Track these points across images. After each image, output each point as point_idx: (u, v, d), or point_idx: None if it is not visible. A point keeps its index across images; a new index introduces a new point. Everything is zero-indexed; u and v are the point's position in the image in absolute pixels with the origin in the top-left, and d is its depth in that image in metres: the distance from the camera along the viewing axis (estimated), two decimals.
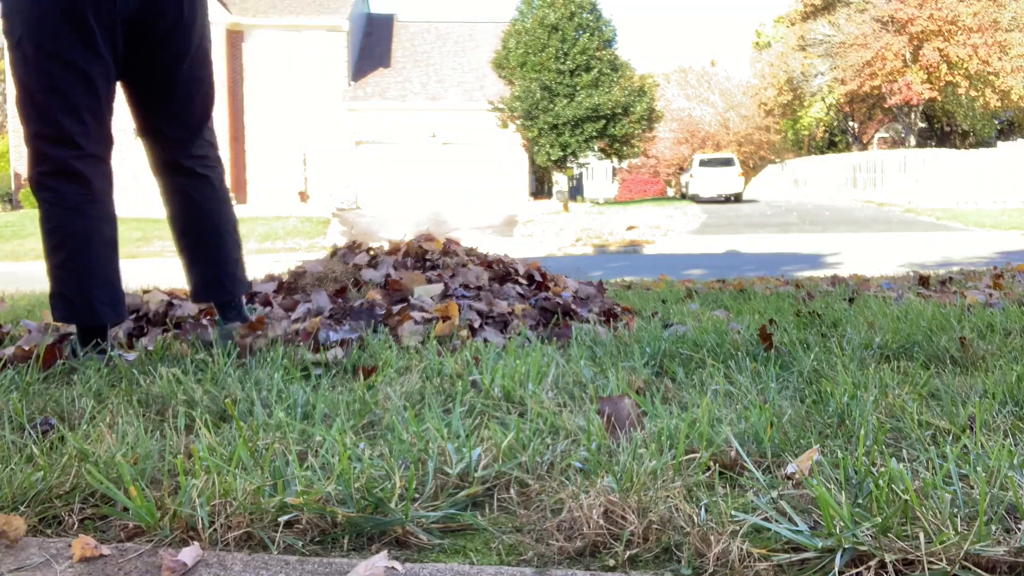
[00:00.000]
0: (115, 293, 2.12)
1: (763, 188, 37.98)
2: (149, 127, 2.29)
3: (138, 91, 2.24)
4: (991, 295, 3.38)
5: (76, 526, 1.11)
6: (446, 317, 2.50)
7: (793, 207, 22.59)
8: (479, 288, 3.04)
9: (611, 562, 0.98)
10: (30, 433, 1.38)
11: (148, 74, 2.21)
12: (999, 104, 32.80)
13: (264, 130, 29.64)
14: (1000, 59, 31.24)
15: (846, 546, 0.92)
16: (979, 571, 0.88)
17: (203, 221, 2.33)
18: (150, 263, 13.59)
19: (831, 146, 41.79)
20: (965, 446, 1.23)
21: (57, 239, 2.07)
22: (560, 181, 29.22)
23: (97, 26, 2.04)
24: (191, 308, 2.78)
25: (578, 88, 26.34)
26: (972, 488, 1.06)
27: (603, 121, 26.48)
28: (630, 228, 17.25)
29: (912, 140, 36.12)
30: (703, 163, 29.00)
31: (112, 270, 2.13)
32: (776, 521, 1.00)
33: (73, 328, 2.25)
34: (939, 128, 37.93)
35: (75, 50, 2.03)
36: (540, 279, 3.31)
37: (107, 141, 2.15)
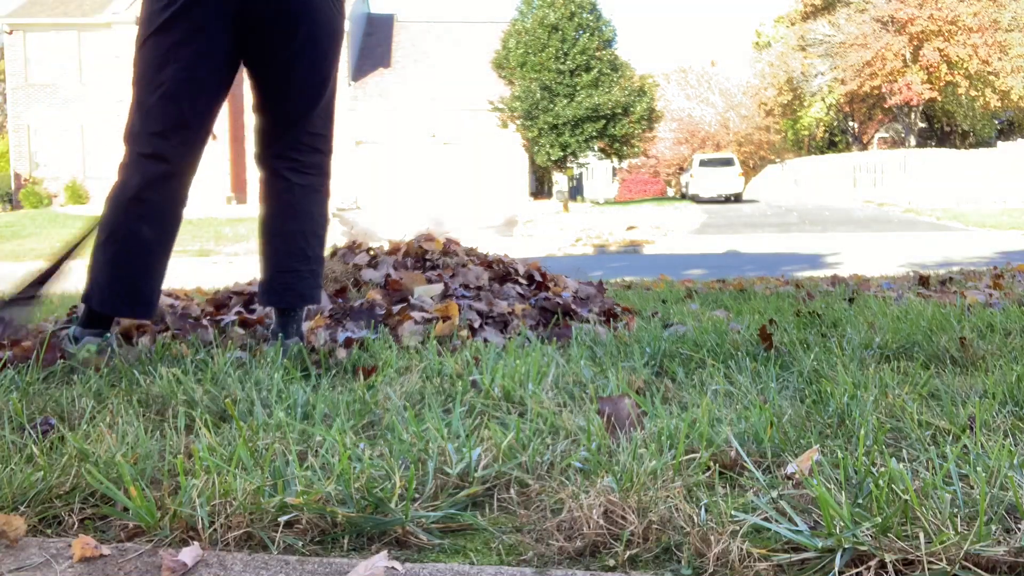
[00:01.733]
0: (135, 291, 2.10)
1: (763, 188, 37.98)
2: (258, 123, 2.28)
3: (256, 84, 2.23)
4: (991, 295, 3.38)
5: (76, 526, 1.11)
6: (446, 317, 2.50)
7: (793, 207, 22.59)
8: (479, 288, 3.04)
9: (611, 562, 0.98)
10: (30, 433, 1.38)
11: (269, 77, 2.20)
12: (999, 104, 32.81)
13: None
14: (1000, 59, 31.24)
15: (846, 546, 0.92)
16: (979, 571, 0.88)
17: (273, 224, 2.29)
18: None
19: (831, 146, 41.79)
20: (965, 446, 1.23)
21: (103, 221, 2.10)
22: (560, 181, 29.22)
23: (205, 25, 2.04)
24: (194, 309, 2.78)
25: (578, 88, 26.35)
26: (972, 488, 1.06)
27: (603, 121, 26.48)
28: (630, 228, 17.25)
29: (912, 140, 36.12)
30: (703, 163, 29.02)
31: (138, 268, 2.11)
32: (776, 521, 1.00)
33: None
34: (939, 128, 37.94)
35: (187, 50, 2.03)
36: (540, 279, 3.31)
37: (192, 145, 2.13)
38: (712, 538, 0.96)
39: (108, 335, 2.15)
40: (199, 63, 2.05)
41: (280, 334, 2.24)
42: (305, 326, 2.43)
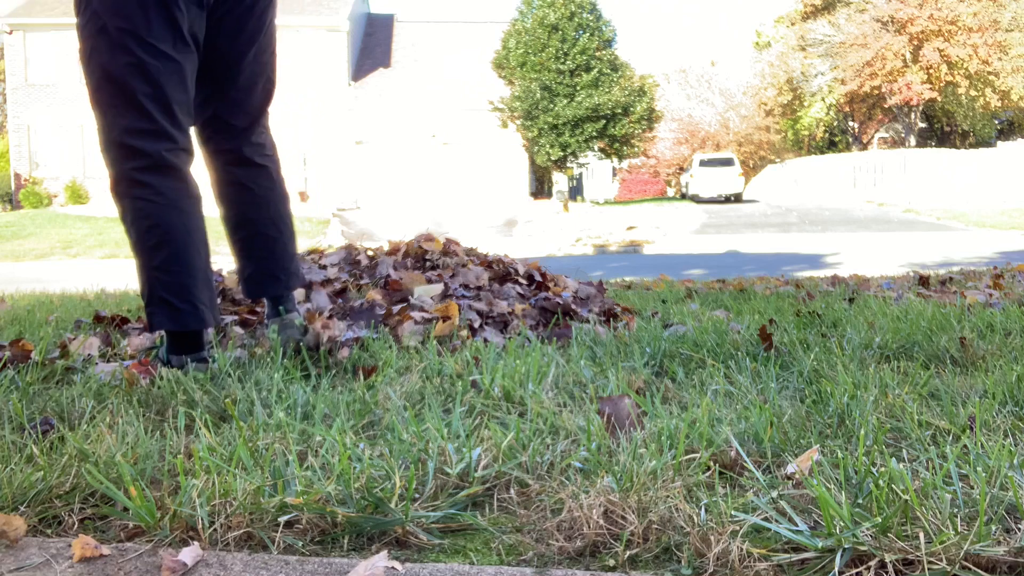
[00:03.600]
0: (213, 295, 2.02)
1: (763, 188, 37.98)
2: (209, 115, 2.19)
3: (203, 75, 2.14)
4: (991, 295, 3.38)
5: (76, 526, 1.11)
6: (446, 317, 2.50)
7: (793, 207, 22.59)
8: (479, 288, 3.04)
9: (611, 562, 0.98)
10: (30, 433, 1.38)
11: (216, 60, 2.12)
12: (999, 104, 32.82)
13: None
14: (1000, 59, 31.25)
15: (846, 546, 0.92)
16: (979, 571, 0.88)
17: (260, 212, 2.24)
18: None
19: (831, 146, 41.79)
20: (965, 446, 1.23)
21: (156, 238, 1.92)
22: (560, 181, 29.21)
23: (186, 12, 1.95)
24: None
25: (578, 88, 26.35)
26: (972, 488, 1.06)
27: (603, 121, 26.49)
28: (630, 228, 17.25)
29: (912, 140, 36.12)
30: (703, 163, 29.01)
31: (209, 269, 2.02)
32: (776, 521, 1.00)
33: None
34: (939, 128, 37.94)
35: (167, 39, 1.93)
36: (540, 279, 3.31)
37: (189, 134, 2.06)
38: (712, 538, 0.96)
39: (208, 356, 2.02)
40: (187, 47, 1.98)
41: (281, 310, 2.24)
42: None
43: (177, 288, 1.93)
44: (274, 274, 2.27)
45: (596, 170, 45.78)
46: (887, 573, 0.90)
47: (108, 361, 2.18)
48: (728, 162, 28.70)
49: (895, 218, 18.22)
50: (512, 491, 1.17)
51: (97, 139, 1.97)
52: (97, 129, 1.96)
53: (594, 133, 26.46)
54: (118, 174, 1.95)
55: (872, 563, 0.91)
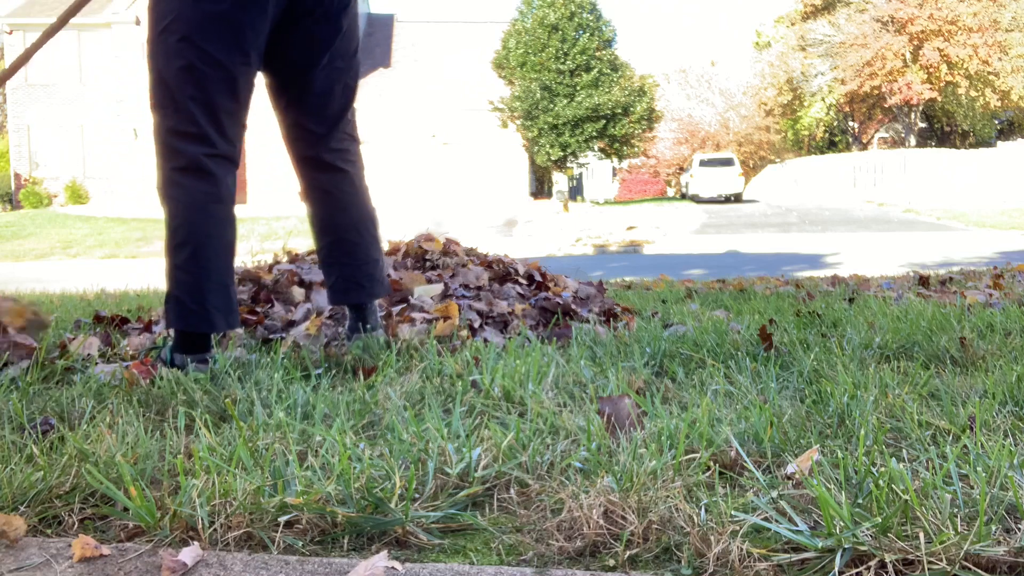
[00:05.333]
0: (228, 299, 2.01)
1: (763, 188, 37.97)
2: (291, 121, 2.21)
3: (278, 83, 2.17)
4: (991, 295, 3.38)
5: (76, 526, 1.11)
6: (446, 317, 2.50)
7: (793, 207, 22.59)
8: (479, 288, 3.04)
9: (611, 562, 0.98)
10: (30, 433, 1.38)
11: (289, 68, 2.13)
12: (999, 104, 32.83)
13: (264, 130, 29.57)
14: (1000, 59, 31.26)
15: (846, 546, 0.92)
16: (979, 571, 0.88)
17: (342, 218, 2.24)
18: (150, 263, 13.60)
19: (831, 146, 41.80)
20: (965, 446, 1.23)
21: (180, 238, 1.96)
22: (560, 181, 29.22)
23: (249, 22, 1.96)
24: None
25: (578, 88, 26.36)
26: (972, 488, 1.06)
27: (603, 121, 26.49)
28: (630, 228, 17.25)
29: (912, 140, 36.13)
30: (703, 163, 29.01)
31: (228, 275, 2.02)
32: (776, 521, 1.00)
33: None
34: (939, 128, 37.94)
35: (224, 47, 1.95)
36: (540, 279, 3.31)
37: (238, 143, 2.06)
38: (712, 538, 0.96)
39: (212, 357, 2.01)
40: (245, 58, 1.99)
41: (366, 326, 2.23)
42: (303, 327, 2.43)
43: (190, 288, 1.95)
44: (356, 280, 2.26)
45: (596, 170, 45.79)
46: (887, 573, 0.90)
47: (108, 361, 2.18)
48: (728, 162, 28.70)
49: (895, 218, 18.22)
50: (512, 491, 1.17)
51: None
52: (152, 123, 2.02)
53: (594, 133, 26.46)
54: (161, 172, 2.00)
55: (872, 563, 0.91)
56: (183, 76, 1.94)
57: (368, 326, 2.26)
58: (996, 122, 36.96)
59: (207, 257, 1.95)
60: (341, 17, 2.12)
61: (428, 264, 3.33)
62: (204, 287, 1.95)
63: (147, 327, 2.73)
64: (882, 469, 1.07)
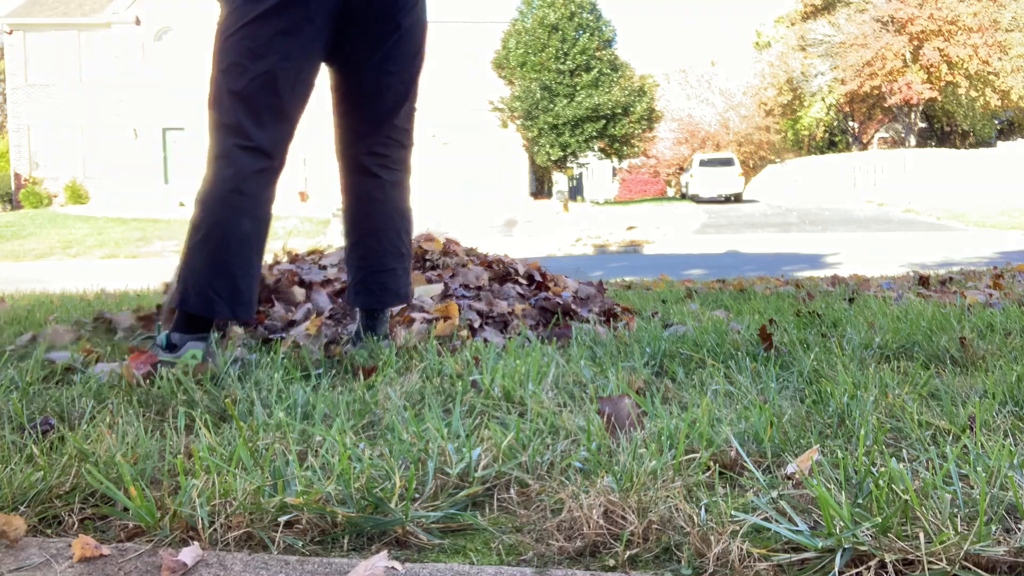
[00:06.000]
0: (235, 289, 1.98)
1: (763, 188, 37.97)
2: (336, 117, 2.23)
3: (334, 78, 2.18)
4: (991, 295, 3.38)
5: (76, 526, 1.10)
6: (446, 317, 2.50)
7: (793, 207, 22.59)
8: (479, 288, 3.04)
9: (611, 562, 0.98)
10: (30, 433, 1.38)
11: (342, 61, 2.14)
12: (999, 104, 32.84)
13: None
14: (1000, 59, 31.27)
15: (846, 546, 0.92)
16: (979, 571, 0.88)
17: (365, 222, 2.24)
18: (150, 263, 13.60)
19: (831, 146, 41.80)
20: (965, 446, 1.23)
21: (196, 221, 1.99)
22: (560, 181, 29.23)
23: (303, 20, 1.97)
24: None
25: (578, 88, 26.37)
26: (972, 488, 1.06)
27: (603, 121, 26.51)
28: (630, 228, 17.25)
29: (912, 140, 36.13)
30: (703, 163, 29.02)
31: (239, 266, 1.99)
32: (776, 521, 1.00)
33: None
34: (939, 128, 37.94)
35: (282, 45, 1.96)
36: (540, 279, 3.31)
37: (281, 139, 2.05)
38: (712, 538, 0.96)
39: (210, 339, 2.01)
40: (302, 54, 2.00)
41: (374, 333, 2.22)
42: (303, 327, 2.43)
43: (194, 271, 1.97)
44: (367, 285, 2.25)
45: (596, 170, 45.80)
46: (887, 573, 0.90)
47: (108, 361, 2.18)
48: (728, 162, 28.71)
49: (895, 218, 18.22)
50: (512, 491, 1.17)
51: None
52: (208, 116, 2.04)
53: (594, 133, 26.47)
54: (213, 156, 2.01)
55: (872, 563, 0.91)
56: (229, 71, 1.97)
57: (375, 334, 2.25)
58: (996, 122, 36.97)
59: (216, 244, 1.96)
60: (399, 17, 2.10)
61: (428, 264, 3.33)
62: (208, 272, 1.95)
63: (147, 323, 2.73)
64: (882, 469, 1.07)
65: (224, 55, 1.99)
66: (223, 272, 1.96)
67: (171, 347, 1.95)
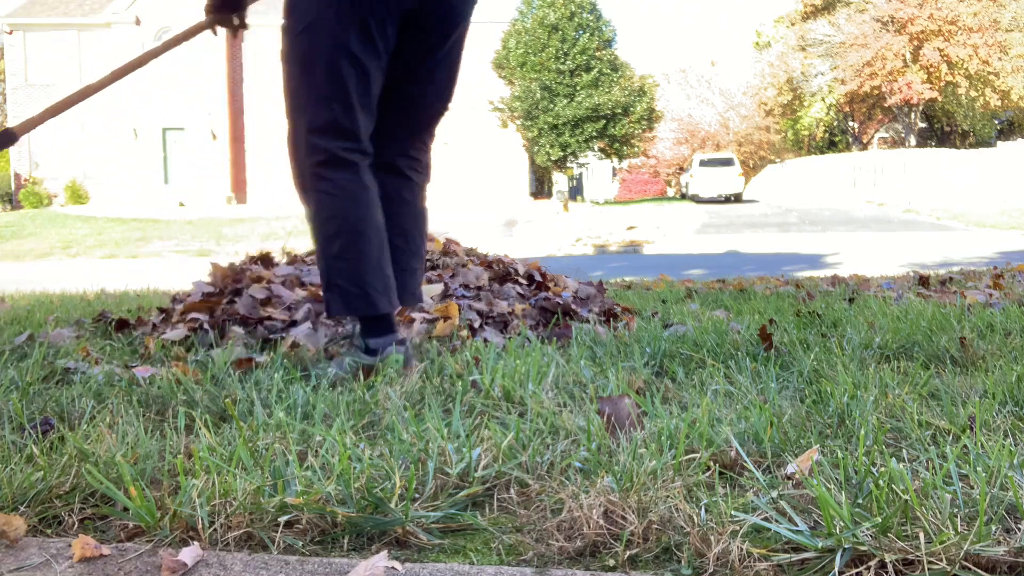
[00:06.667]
0: (387, 280, 2.04)
1: (763, 188, 37.97)
2: (379, 116, 2.21)
3: (395, 85, 2.19)
4: (991, 295, 3.38)
5: (76, 526, 1.11)
6: (446, 317, 2.50)
7: (793, 207, 22.59)
8: (479, 288, 3.04)
9: (611, 562, 0.98)
10: (30, 433, 1.38)
11: (398, 65, 2.15)
12: (999, 104, 32.84)
13: (264, 130, 29.60)
14: (1000, 59, 31.27)
15: (846, 546, 0.92)
16: (979, 571, 0.88)
17: (391, 221, 2.24)
18: (149, 263, 13.61)
19: (831, 146, 41.79)
20: (965, 446, 1.23)
21: (332, 228, 2.00)
22: (560, 181, 29.23)
23: (379, 20, 2.00)
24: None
25: (578, 88, 26.37)
26: (972, 488, 1.06)
27: (603, 121, 26.52)
28: (630, 228, 17.25)
29: (912, 140, 36.14)
30: (703, 163, 29.02)
31: (384, 257, 2.05)
32: (776, 521, 1.00)
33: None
34: (939, 128, 37.95)
35: (359, 44, 1.99)
36: (540, 279, 3.31)
37: (369, 134, 2.10)
38: (712, 538, 0.96)
39: (404, 338, 2.04)
40: (377, 57, 2.03)
41: (364, 344, 2.22)
42: (304, 328, 2.43)
43: (348, 275, 2.00)
44: (408, 287, 2.25)
45: (596, 170, 45.81)
46: (887, 573, 0.90)
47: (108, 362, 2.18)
48: (728, 162, 28.71)
49: (895, 218, 18.22)
50: (512, 491, 1.17)
51: (286, 136, 2.09)
52: (287, 125, 2.07)
53: (594, 133, 26.48)
54: (300, 168, 2.05)
55: (872, 563, 0.91)
56: (321, 75, 1.99)
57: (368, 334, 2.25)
58: (996, 122, 36.97)
59: (362, 243, 2.00)
60: (451, 29, 2.14)
61: (428, 264, 3.33)
62: (363, 271, 1.99)
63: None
64: (882, 469, 1.07)
65: (298, 60, 2.01)
66: (376, 268, 2.01)
67: (372, 352, 1.99)
